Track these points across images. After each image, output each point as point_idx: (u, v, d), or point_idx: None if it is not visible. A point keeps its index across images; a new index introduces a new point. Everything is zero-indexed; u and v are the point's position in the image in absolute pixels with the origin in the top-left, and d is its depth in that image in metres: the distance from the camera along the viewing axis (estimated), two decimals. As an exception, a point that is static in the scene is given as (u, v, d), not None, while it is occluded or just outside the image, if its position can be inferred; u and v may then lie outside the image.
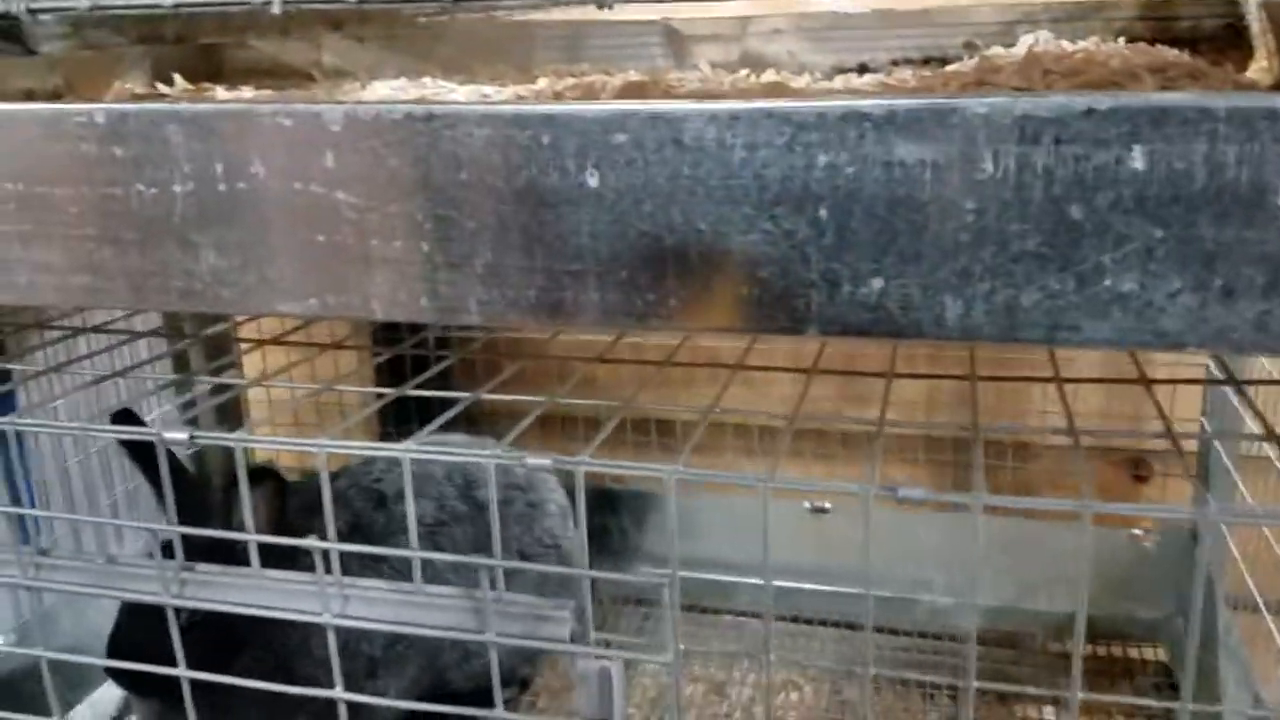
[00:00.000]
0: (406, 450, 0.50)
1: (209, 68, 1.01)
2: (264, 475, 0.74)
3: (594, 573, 0.48)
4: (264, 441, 0.53)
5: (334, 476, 0.95)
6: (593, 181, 0.41)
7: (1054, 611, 1.23)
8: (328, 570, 0.52)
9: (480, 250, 0.43)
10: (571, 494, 1.08)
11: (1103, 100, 0.35)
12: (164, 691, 0.63)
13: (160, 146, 0.45)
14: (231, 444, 0.53)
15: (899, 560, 1.20)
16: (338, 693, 0.52)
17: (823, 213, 0.39)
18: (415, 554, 0.50)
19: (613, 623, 1.27)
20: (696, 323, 0.42)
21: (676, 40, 1.04)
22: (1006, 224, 0.37)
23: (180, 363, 1.12)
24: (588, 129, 0.41)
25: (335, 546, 0.51)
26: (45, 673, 0.60)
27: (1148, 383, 0.57)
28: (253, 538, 0.53)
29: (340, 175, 0.44)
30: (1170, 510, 1.12)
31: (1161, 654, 1.22)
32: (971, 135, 0.36)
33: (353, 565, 0.57)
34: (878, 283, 0.39)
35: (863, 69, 0.98)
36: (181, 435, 0.52)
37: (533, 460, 0.50)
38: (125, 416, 0.72)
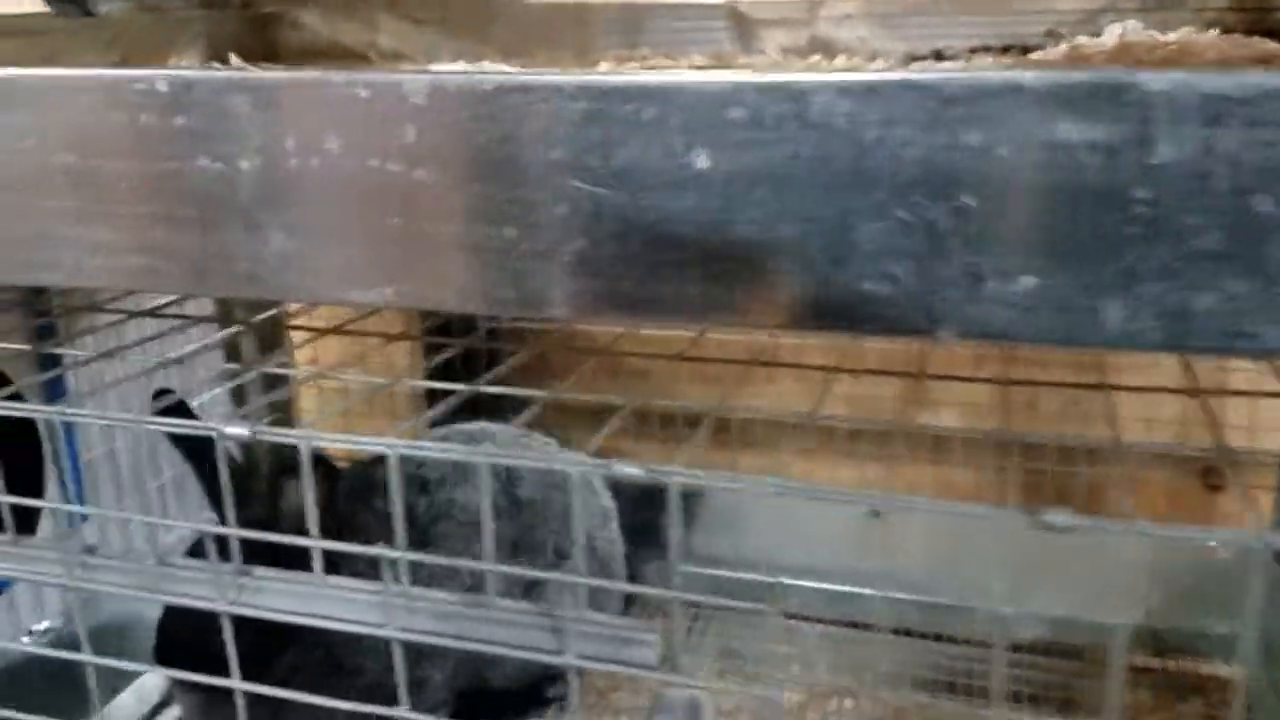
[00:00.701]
0: (488, 456, 0.46)
1: (264, 49, 0.99)
2: (312, 463, 0.72)
3: (694, 596, 0.44)
4: (329, 438, 0.50)
5: (376, 462, 0.93)
6: (701, 162, 0.37)
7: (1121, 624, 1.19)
8: (395, 579, 0.48)
9: (571, 237, 0.39)
10: (615, 494, 1.05)
11: (1303, 77, 0.31)
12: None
13: (226, 118, 0.42)
14: (295, 441, 0.50)
15: (958, 565, 1.17)
16: (402, 711, 0.48)
17: (968, 199, 0.34)
18: (491, 567, 0.46)
19: (660, 622, 1.23)
20: (812, 322, 0.37)
21: (742, 23, 1.01)
22: (1183, 217, 0.33)
23: (231, 349, 1.10)
24: (698, 103, 0.36)
25: (404, 555, 0.47)
26: (89, 671, 0.57)
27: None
28: (315, 543, 0.50)
29: (421, 152, 0.40)
30: None
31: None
32: (1148, 115, 0.32)
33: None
34: (1028, 280, 0.34)
35: (938, 56, 0.94)
36: (243, 431, 0.49)
37: (621, 468, 0.46)
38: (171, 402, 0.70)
